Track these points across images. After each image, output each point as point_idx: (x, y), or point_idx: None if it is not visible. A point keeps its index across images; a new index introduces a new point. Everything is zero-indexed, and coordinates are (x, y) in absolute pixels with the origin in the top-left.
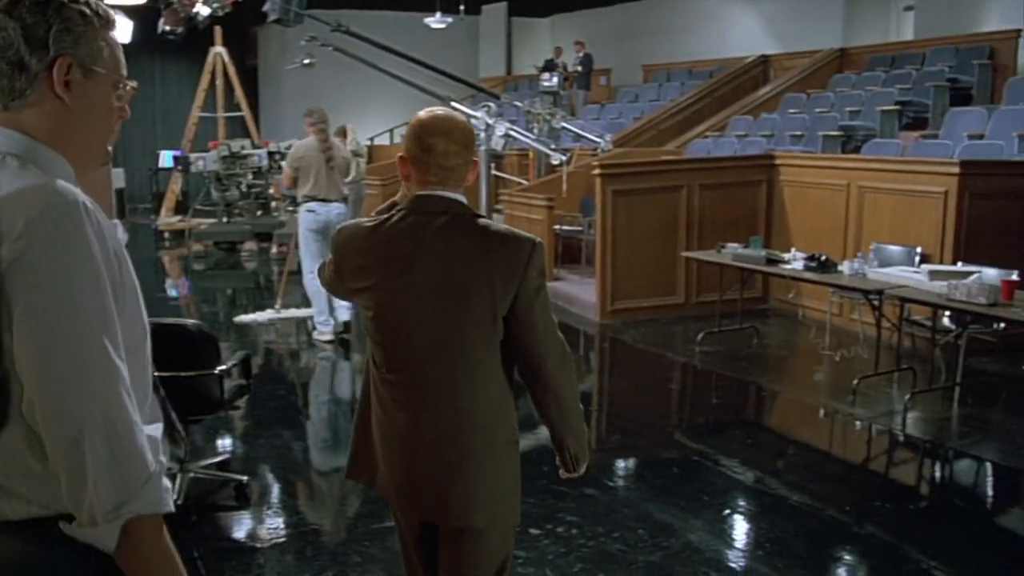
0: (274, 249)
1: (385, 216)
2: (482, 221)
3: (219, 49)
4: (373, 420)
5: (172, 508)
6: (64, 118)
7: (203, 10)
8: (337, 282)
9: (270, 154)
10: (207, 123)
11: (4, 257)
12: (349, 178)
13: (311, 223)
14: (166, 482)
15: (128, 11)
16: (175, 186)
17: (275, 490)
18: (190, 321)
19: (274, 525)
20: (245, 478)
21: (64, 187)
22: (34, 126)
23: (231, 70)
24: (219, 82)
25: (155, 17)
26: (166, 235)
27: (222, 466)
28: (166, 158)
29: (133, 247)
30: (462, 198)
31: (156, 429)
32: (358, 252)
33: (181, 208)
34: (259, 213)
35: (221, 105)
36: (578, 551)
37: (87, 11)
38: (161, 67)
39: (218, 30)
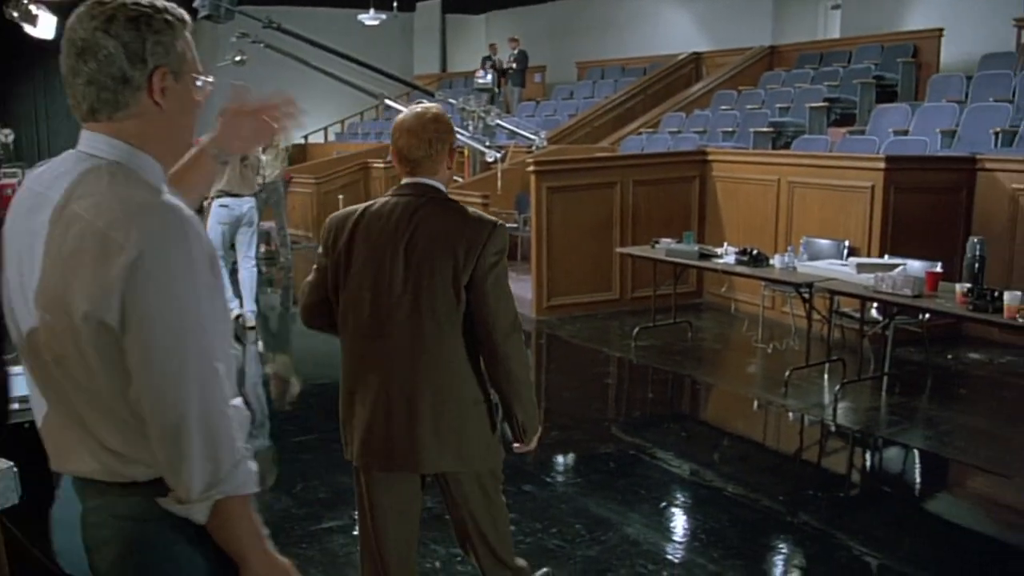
0: None
1: (371, 201)
2: (453, 204)
3: None
4: (343, 388)
5: (257, 488)
6: (161, 122)
7: None
8: (321, 259)
9: None
10: None
11: (120, 265)
12: (269, 177)
13: (223, 217)
14: (252, 464)
15: (53, 8)
16: None
17: None
18: None
19: None
20: None
21: (174, 202)
22: (133, 133)
23: None
24: None
25: None
26: None
27: None
28: None
29: None
30: (438, 184)
31: (239, 401)
32: (347, 230)
33: None
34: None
35: None
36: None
37: (170, 18)
38: None
39: None
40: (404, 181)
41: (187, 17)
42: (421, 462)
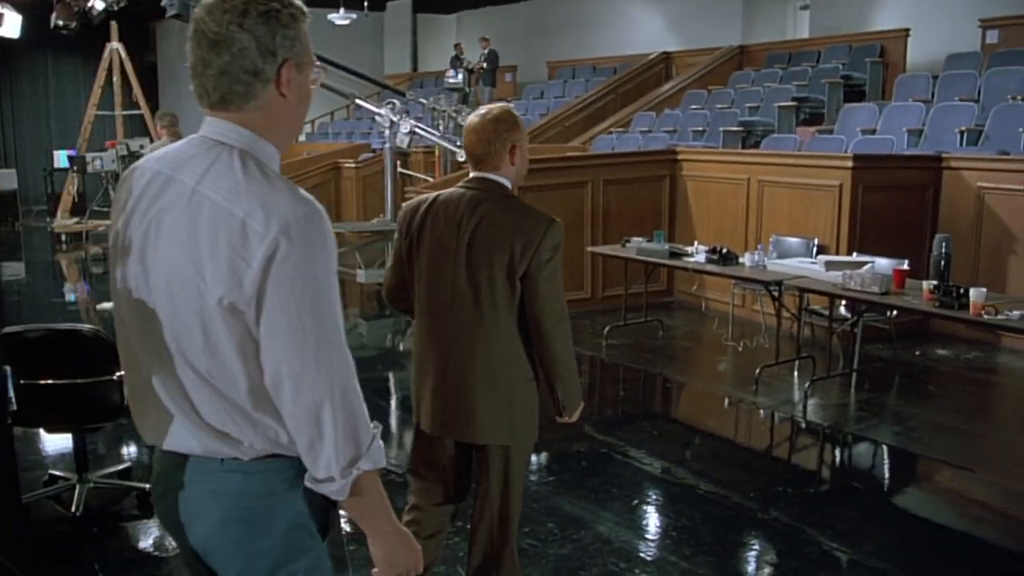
0: None
1: (443, 190)
2: (515, 201)
3: (115, 45)
4: (413, 360)
5: (386, 464)
6: (283, 111)
7: (98, 4)
8: (397, 242)
9: None
10: (104, 122)
11: (260, 254)
12: None
13: None
14: (380, 442)
15: (18, 5)
16: (71, 187)
17: None
18: (86, 326)
19: None
20: (147, 486)
21: (308, 196)
22: (258, 122)
23: (128, 67)
24: (116, 79)
25: (47, 11)
26: (63, 238)
27: (123, 475)
28: (61, 158)
29: (29, 250)
30: (500, 179)
31: None
32: (419, 216)
33: (78, 210)
34: None
35: (119, 103)
36: None
37: (295, 11)
38: (54, 63)
39: (114, 25)
40: (471, 175)
41: (306, 10)
42: (476, 431)
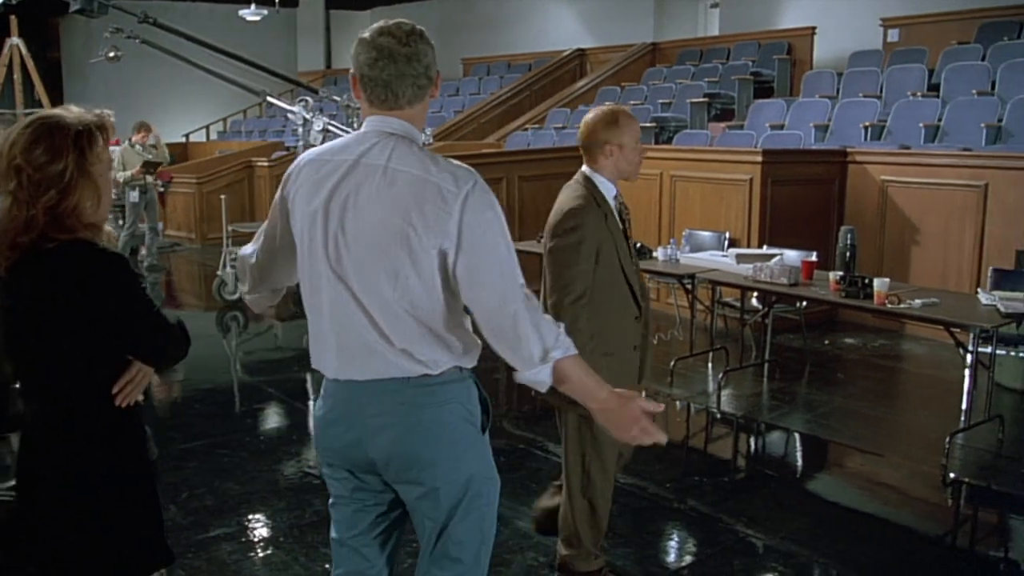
0: None
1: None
2: (571, 187)
3: (15, 40)
4: None
5: (576, 351)
6: (426, 107)
7: None
8: None
9: None
10: (5, 120)
11: (456, 208)
12: (123, 177)
13: None
14: (566, 337)
15: None
16: None
17: None
18: None
19: None
20: None
21: (472, 169)
22: (415, 116)
23: (30, 63)
24: (16, 76)
25: None
26: None
27: None
28: None
29: None
30: (590, 172)
31: None
32: None
33: None
34: None
35: (20, 101)
36: (407, 547)
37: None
38: None
39: (13, 20)
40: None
41: None
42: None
